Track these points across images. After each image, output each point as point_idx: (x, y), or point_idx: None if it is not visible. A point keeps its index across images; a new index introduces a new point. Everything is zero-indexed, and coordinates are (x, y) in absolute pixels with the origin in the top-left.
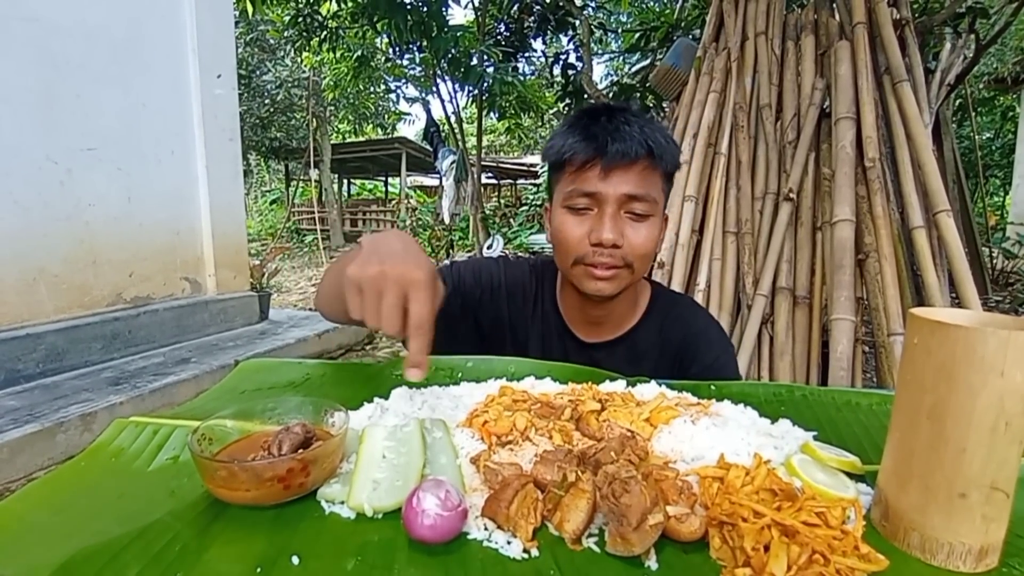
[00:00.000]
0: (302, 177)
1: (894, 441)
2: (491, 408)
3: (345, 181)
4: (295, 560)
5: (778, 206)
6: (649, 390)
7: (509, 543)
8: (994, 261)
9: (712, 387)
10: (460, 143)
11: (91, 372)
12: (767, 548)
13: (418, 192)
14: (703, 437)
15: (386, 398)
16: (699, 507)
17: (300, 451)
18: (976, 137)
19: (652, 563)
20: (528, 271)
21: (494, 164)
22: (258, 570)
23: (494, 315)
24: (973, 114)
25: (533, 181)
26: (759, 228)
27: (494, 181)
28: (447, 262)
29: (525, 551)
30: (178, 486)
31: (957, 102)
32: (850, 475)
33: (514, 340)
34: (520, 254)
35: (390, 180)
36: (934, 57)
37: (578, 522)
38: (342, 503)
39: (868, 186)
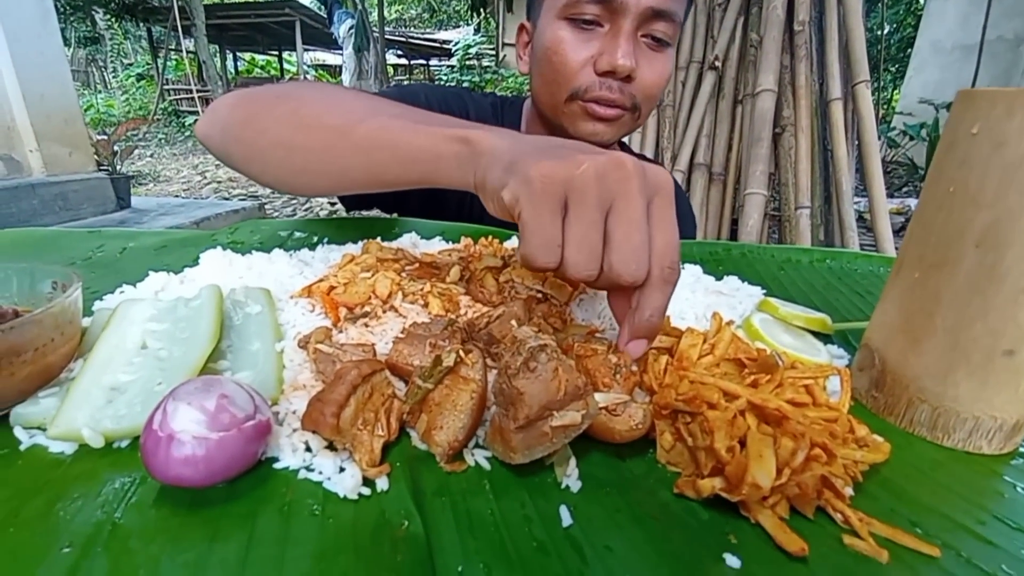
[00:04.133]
0: (172, 47)
1: (905, 285)
2: (343, 270)
3: (230, 55)
4: None
5: (702, 76)
6: None
7: (343, 470)
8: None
9: None
10: (359, 3)
11: None
12: (743, 443)
13: (320, 71)
14: None
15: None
16: (640, 392)
17: None
18: (880, 32)
19: (571, 480)
20: (490, 111)
21: (403, 39)
22: None
23: None
24: (884, 3)
25: (448, 62)
26: (680, 101)
27: (404, 60)
28: (395, 83)
29: (367, 482)
30: None
31: None
32: (816, 335)
33: (460, 201)
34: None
35: (286, 56)
36: None
37: (456, 429)
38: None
39: (794, 53)
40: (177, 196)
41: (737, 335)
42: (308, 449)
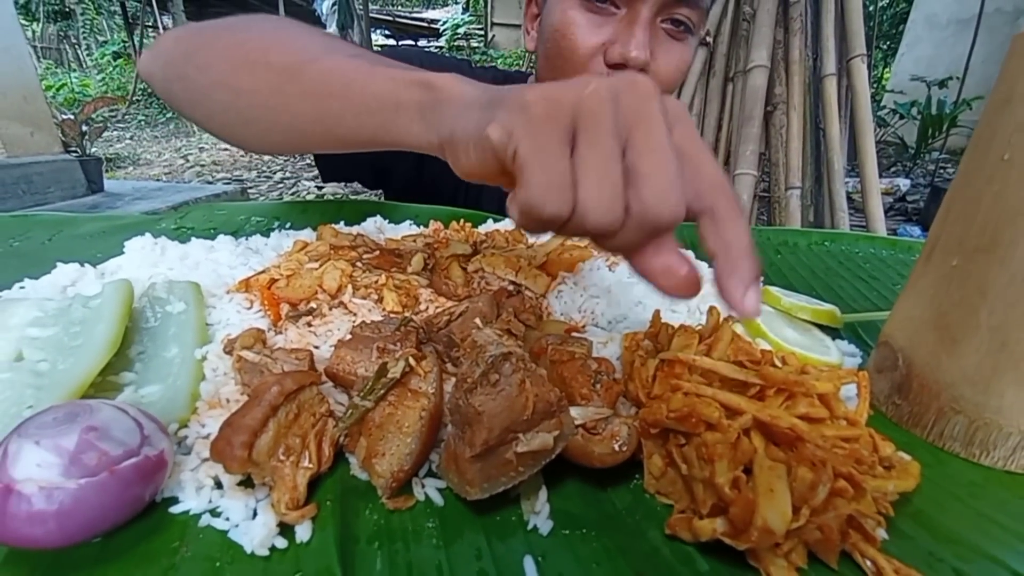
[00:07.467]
0: (148, 24)
1: (939, 273)
2: (288, 260)
3: None
4: None
5: (693, 53)
6: None
7: (255, 515)
8: None
9: None
10: None
11: None
12: (749, 470)
13: None
14: (624, 290)
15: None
16: (624, 403)
17: None
18: (873, 7)
19: (541, 518)
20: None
21: (390, 19)
22: None
23: None
24: None
25: (436, 43)
26: None
27: (391, 41)
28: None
29: (282, 531)
30: None
31: None
32: (822, 329)
33: (456, 186)
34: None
35: None
36: None
37: (401, 456)
38: None
39: (788, 27)
40: (158, 180)
41: (738, 334)
42: (218, 486)
